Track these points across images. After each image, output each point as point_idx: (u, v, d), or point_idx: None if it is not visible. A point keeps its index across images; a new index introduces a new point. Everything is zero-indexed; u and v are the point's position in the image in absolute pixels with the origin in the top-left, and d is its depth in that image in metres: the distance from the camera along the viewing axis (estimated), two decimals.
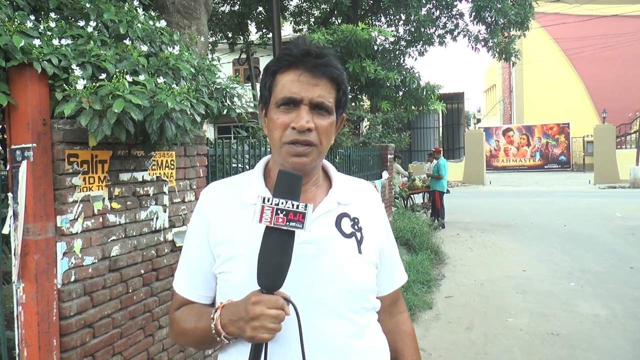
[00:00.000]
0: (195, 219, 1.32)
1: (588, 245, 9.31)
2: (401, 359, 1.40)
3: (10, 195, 2.30)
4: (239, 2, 14.27)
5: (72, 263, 2.43)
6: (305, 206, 1.06)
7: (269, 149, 4.99)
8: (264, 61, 22.45)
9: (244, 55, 16.14)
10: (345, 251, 1.25)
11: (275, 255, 1.06)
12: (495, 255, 8.75)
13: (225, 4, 14.28)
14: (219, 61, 3.96)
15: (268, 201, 1.06)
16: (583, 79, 35.91)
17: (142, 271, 2.93)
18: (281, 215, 1.05)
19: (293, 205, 1.06)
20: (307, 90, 1.19)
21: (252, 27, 15.69)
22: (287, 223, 1.05)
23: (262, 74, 1.30)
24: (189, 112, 2.63)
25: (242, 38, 15.51)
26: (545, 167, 32.78)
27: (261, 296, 1.07)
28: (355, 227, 1.29)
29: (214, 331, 1.16)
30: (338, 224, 1.27)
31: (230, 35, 15.30)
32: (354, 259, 1.26)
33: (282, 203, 1.05)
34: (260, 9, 14.59)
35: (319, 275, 1.20)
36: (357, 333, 1.24)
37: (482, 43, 13.40)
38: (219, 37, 15.23)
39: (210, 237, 1.27)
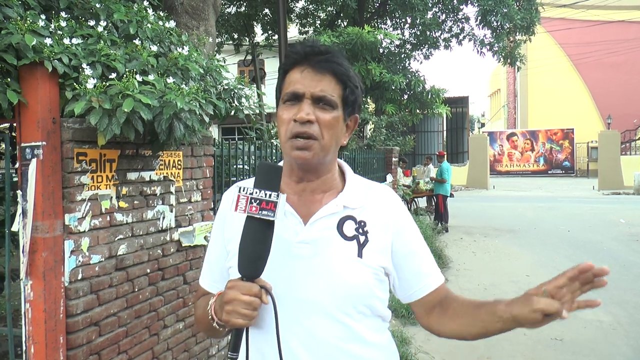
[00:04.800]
0: (216, 218, 1.40)
1: (591, 252, 9.28)
2: (454, 303, 1.29)
3: (19, 192, 2.32)
4: (245, 4, 14.31)
5: (79, 261, 2.45)
6: (278, 195, 1.10)
7: (274, 151, 4.99)
8: (269, 63, 22.49)
9: (249, 57, 16.18)
10: (342, 254, 1.23)
11: (251, 244, 1.10)
12: (499, 260, 8.73)
13: (232, 5, 14.32)
14: (224, 62, 3.98)
15: (244, 191, 1.10)
16: (588, 85, 35.83)
17: (148, 270, 2.94)
18: (254, 204, 1.09)
19: (266, 194, 1.09)
20: (310, 85, 1.21)
21: (257, 29, 15.74)
22: (260, 212, 1.09)
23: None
24: (197, 112, 2.64)
25: (247, 39, 15.55)
26: (549, 172, 32.67)
27: (237, 282, 1.11)
28: (360, 230, 1.26)
29: (210, 317, 1.20)
30: (340, 226, 1.26)
31: (235, 36, 15.35)
32: (351, 261, 1.23)
33: (256, 192, 1.10)
34: (267, 10, 14.65)
35: (311, 276, 1.21)
36: (350, 337, 1.22)
37: (488, 47, 13.41)
38: (224, 38, 15.27)
39: (225, 234, 1.33)
